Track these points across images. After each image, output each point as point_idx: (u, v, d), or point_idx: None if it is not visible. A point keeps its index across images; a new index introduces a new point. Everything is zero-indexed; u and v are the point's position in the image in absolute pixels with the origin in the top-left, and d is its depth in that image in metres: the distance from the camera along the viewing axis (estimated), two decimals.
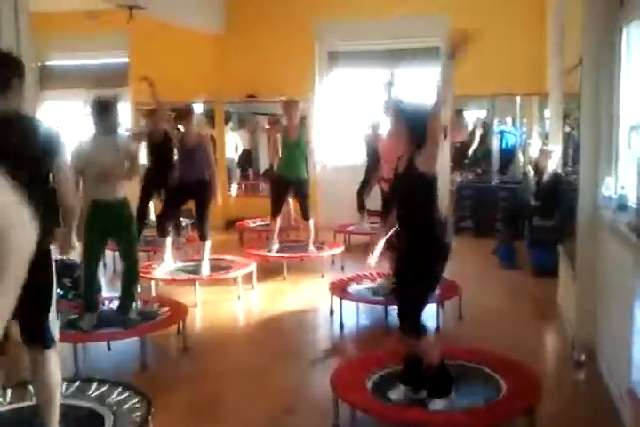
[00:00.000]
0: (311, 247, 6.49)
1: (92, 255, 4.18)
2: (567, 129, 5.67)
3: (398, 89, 4.82)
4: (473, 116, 8.90)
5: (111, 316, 4.29)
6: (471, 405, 2.99)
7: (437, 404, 3.01)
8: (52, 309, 2.71)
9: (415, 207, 3.07)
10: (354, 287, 5.04)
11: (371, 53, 9.13)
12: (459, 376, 3.18)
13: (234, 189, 9.97)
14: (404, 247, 3.16)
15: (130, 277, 4.33)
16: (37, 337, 2.66)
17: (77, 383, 3.31)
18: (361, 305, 4.92)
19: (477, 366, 3.38)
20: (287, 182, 6.36)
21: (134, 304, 4.37)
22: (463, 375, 3.25)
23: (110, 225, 4.18)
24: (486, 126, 8.82)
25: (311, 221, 6.42)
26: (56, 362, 2.69)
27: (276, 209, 6.46)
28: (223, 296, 5.50)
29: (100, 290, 4.63)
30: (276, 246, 6.47)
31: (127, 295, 4.32)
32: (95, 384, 3.28)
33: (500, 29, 8.15)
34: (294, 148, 6.30)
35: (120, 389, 3.20)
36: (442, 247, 3.05)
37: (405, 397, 3.09)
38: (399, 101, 4.25)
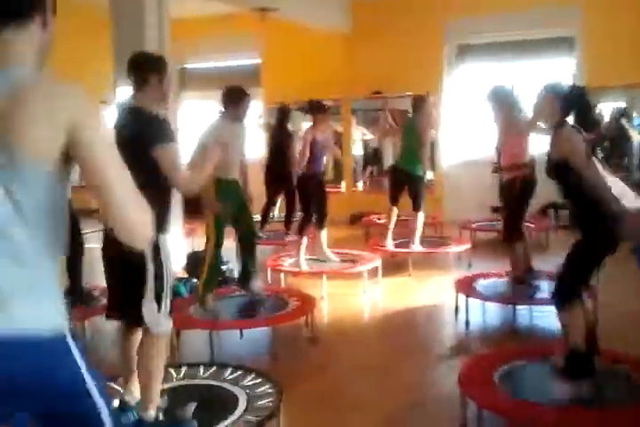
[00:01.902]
0: (415, 244, 6.38)
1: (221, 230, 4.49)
2: None
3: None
4: (608, 107, 8.40)
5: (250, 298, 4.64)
6: (607, 406, 2.86)
7: (563, 388, 2.97)
8: (151, 293, 2.70)
9: None
10: (480, 285, 4.95)
11: (500, 45, 8.88)
12: (593, 377, 3.06)
13: (359, 184, 10.09)
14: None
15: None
16: (137, 318, 2.74)
17: (214, 368, 3.51)
18: (487, 303, 4.84)
19: (614, 367, 3.23)
20: (402, 175, 6.37)
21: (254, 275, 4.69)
22: (598, 376, 3.11)
23: (233, 199, 4.47)
24: (625, 117, 8.29)
25: (420, 215, 6.31)
26: (159, 348, 2.76)
27: (392, 197, 6.46)
28: (349, 290, 5.59)
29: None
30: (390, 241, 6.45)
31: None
32: (230, 369, 3.44)
33: (637, 15, 7.66)
34: (414, 142, 6.28)
35: (253, 375, 3.34)
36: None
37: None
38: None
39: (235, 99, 4.52)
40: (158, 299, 2.71)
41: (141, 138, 2.66)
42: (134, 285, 2.68)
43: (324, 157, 6.00)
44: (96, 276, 5.73)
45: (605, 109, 8.24)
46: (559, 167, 3.08)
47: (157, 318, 2.72)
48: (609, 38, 7.77)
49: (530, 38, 8.61)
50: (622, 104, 8.41)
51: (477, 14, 8.53)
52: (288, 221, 7.33)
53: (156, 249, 2.66)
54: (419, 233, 6.38)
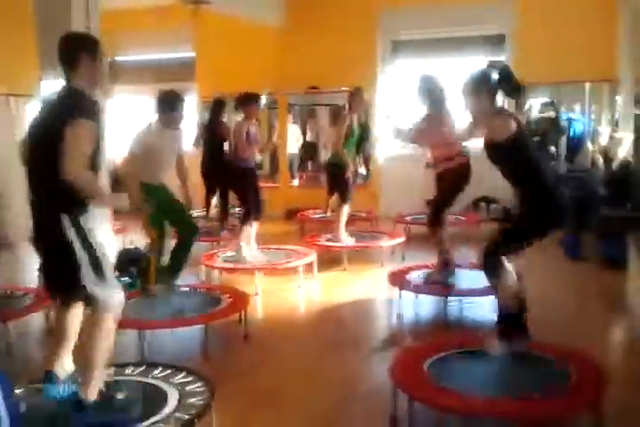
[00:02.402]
0: (341, 237, 6.41)
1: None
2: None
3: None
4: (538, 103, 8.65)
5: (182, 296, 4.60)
6: (534, 395, 2.93)
7: (494, 346, 3.22)
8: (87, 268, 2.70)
9: None
10: (413, 277, 5.01)
11: (433, 42, 9.01)
12: (521, 366, 3.15)
13: (295, 180, 10.07)
14: None
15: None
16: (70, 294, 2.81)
17: (143, 367, 3.41)
18: (420, 295, 4.90)
19: (541, 355, 3.31)
20: (330, 168, 6.60)
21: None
22: (526, 365, 3.21)
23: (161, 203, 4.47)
24: (554, 111, 8.55)
25: (344, 208, 6.41)
26: (104, 326, 2.74)
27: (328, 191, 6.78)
28: (284, 286, 5.57)
29: None
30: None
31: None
32: (160, 368, 3.35)
33: (569, 15, 7.91)
34: (351, 138, 6.37)
35: (184, 373, 3.26)
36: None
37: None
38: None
39: (170, 105, 4.50)
40: (96, 271, 2.68)
41: (59, 113, 2.61)
42: (60, 261, 2.70)
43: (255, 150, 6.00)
44: (20, 276, 5.62)
45: (535, 104, 8.49)
46: (501, 150, 3.16)
47: (101, 288, 2.70)
48: (539, 36, 7.99)
49: (463, 35, 8.77)
50: (549, 100, 8.68)
51: (411, 11, 8.62)
52: (223, 215, 7.25)
53: (77, 225, 2.65)
54: (342, 226, 6.42)
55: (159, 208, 4.38)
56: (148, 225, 4.48)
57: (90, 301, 2.78)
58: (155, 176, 4.54)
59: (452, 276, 4.85)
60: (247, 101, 5.75)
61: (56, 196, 2.65)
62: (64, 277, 2.77)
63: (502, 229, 3.35)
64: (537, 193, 3.22)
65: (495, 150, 3.23)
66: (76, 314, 2.95)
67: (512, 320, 3.31)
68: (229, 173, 5.98)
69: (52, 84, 2.86)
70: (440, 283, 4.78)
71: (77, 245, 2.66)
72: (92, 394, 2.75)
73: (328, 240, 6.52)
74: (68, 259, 2.66)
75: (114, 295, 2.78)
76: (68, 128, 2.57)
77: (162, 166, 4.58)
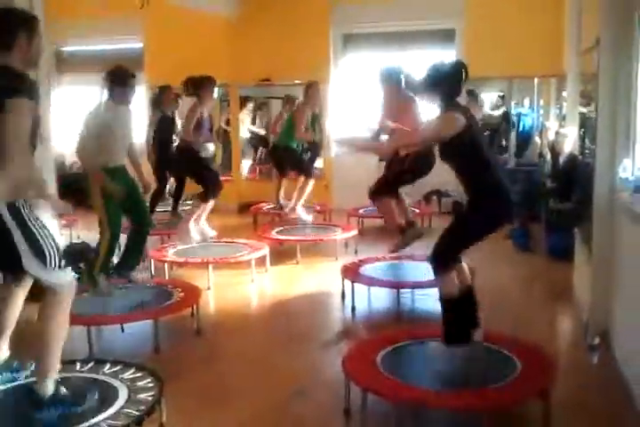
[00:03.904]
0: (298, 208, 6.82)
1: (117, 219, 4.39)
2: (584, 110, 5.58)
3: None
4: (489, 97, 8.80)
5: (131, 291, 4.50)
6: (484, 385, 2.96)
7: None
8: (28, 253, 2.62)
9: None
10: (366, 270, 5.02)
11: (385, 36, 9.03)
12: (471, 357, 3.18)
13: (245, 172, 9.98)
14: None
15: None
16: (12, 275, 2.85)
17: (91, 364, 3.32)
18: (373, 288, 4.91)
19: (491, 347, 3.35)
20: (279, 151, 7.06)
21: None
22: (477, 356, 3.24)
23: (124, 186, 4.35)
24: (504, 105, 8.71)
25: (310, 181, 6.79)
26: (58, 311, 2.70)
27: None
28: (236, 280, 5.51)
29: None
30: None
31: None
32: (109, 364, 3.27)
33: (517, 10, 8.03)
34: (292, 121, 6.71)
35: (134, 369, 3.19)
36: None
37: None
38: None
39: (120, 81, 4.34)
40: (40, 257, 2.58)
41: None
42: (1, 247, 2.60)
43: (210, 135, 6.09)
44: None
45: (486, 99, 8.63)
46: (453, 146, 3.18)
47: (48, 272, 2.62)
48: (489, 31, 8.08)
49: (414, 29, 8.81)
50: (501, 94, 8.83)
51: (362, 4, 8.63)
52: (175, 204, 7.14)
53: (15, 211, 2.55)
54: (304, 197, 6.70)
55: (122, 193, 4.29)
56: (103, 211, 4.31)
57: (41, 285, 2.72)
58: (116, 158, 4.35)
59: (415, 226, 5.06)
60: (202, 85, 5.62)
61: None
62: (8, 263, 2.69)
63: (452, 228, 3.31)
64: (485, 188, 3.23)
65: (446, 145, 3.23)
66: (17, 304, 2.92)
67: (460, 311, 3.31)
68: (181, 157, 5.90)
69: None
70: (406, 245, 4.96)
71: (17, 232, 2.55)
72: (48, 387, 2.69)
73: (285, 214, 6.87)
74: (8, 245, 2.57)
75: (62, 279, 2.70)
76: (9, 111, 2.43)
77: (121, 146, 4.38)
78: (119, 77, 4.34)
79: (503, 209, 3.28)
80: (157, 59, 9.46)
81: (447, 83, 3.22)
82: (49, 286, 2.68)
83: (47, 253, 2.60)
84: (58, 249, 2.66)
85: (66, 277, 2.72)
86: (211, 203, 5.85)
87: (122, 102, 4.36)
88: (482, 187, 3.23)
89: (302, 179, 6.95)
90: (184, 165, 6.03)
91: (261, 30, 8.98)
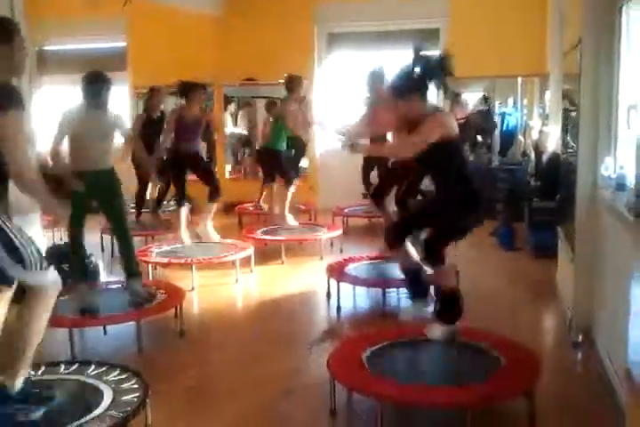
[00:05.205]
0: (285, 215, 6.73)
1: (76, 220, 4.25)
2: (567, 109, 5.61)
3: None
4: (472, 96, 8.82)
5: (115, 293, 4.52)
6: (469, 383, 2.97)
7: (436, 331, 3.33)
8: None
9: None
10: (351, 270, 5.01)
11: (369, 35, 9.04)
12: (456, 355, 3.20)
13: (228, 172, 9.94)
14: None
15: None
16: None
17: (75, 366, 3.29)
18: (358, 287, 4.91)
19: (476, 345, 3.36)
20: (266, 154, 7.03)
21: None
22: (462, 354, 3.26)
23: (96, 193, 4.31)
24: (487, 104, 8.74)
25: (290, 187, 6.71)
26: (37, 310, 2.67)
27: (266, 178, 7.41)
28: (221, 280, 5.49)
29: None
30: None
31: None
32: (93, 366, 3.24)
33: (500, 10, 8.07)
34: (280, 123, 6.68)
35: (118, 371, 3.17)
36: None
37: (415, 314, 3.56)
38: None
39: (94, 85, 4.27)
40: (14, 256, 2.54)
41: None
42: None
43: (196, 138, 5.98)
44: None
45: (470, 98, 8.64)
46: (435, 150, 3.17)
47: (29, 274, 2.59)
48: (473, 31, 8.11)
49: (399, 29, 8.82)
50: (484, 93, 8.85)
51: (346, 4, 8.64)
52: (157, 205, 7.11)
53: None
54: (287, 204, 6.66)
55: (88, 195, 4.23)
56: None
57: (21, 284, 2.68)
58: (86, 162, 4.25)
59: None
60: (193, 89, 5.71)
61: None
62: None
63: (437, 228, 3.40)
64: (456, 187, 3.30)
65: (424, 152, 3.22)
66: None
67: (453, 304, 3.42)
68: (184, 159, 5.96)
69: None
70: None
71: None
72: (18, 384, 2.68)
73: (273, 225, 6.74)
74: None
75: (44, 280, 2.67)
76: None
77: (91, 151, 4.26)
78: (92, 82, 4.28)
79: (472, 198, 3.32)
80: (141, 58, 9.40)
81: (423, 86, 3.25)
82: (32, 287, 2.65)
83: (26, 257, 2.58)
84: (38, 251, 2.63)
85: (48, 278, 2.69)
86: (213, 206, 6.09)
87: (96, 107, 4.28)
88: (452, 186, 3.32)
89: (282, 183, 6.88)
90: (186, 167, 6.08)
91: (246, 30, 8.95)
